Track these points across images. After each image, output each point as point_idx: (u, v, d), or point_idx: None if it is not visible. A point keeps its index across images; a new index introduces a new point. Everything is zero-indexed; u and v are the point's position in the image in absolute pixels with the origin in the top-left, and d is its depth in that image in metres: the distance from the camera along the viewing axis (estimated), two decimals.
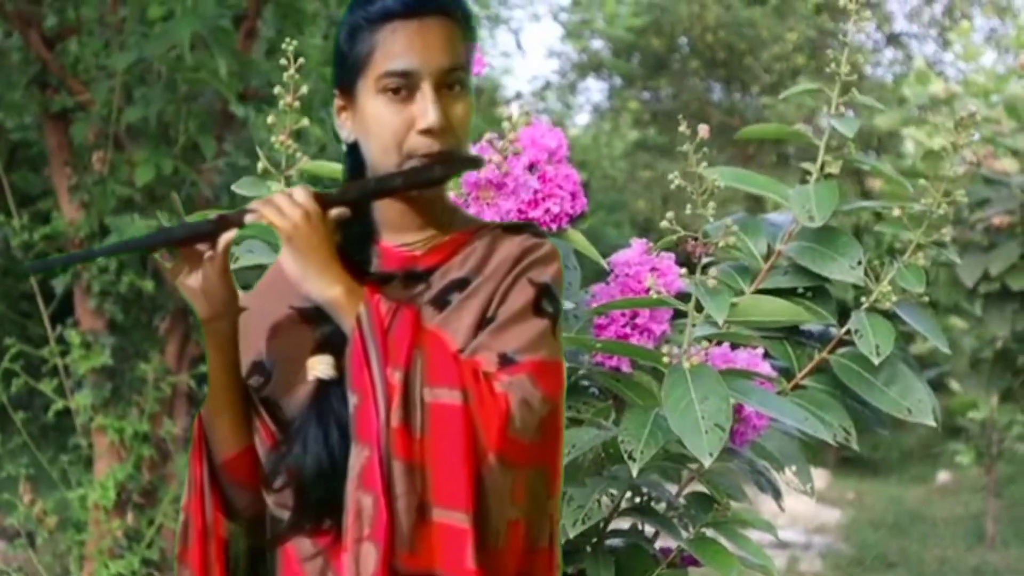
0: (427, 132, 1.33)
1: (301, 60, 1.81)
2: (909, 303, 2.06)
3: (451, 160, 1.35)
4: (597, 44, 14.14)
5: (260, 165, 1.85)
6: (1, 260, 5.46)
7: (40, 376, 4.53)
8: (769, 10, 12.32)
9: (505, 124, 1.79)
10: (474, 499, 1.24)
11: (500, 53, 15.37)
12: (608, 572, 1.95)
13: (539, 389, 1.29)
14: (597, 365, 2.01)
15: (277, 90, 1.84)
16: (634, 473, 1.72)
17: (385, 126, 1.34)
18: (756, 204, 8.74)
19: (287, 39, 1.83)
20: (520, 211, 1.84)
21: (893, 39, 13.65)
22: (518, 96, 15.04)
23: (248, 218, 1.32)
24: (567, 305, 2.02)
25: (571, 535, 1.83)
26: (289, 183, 1.89)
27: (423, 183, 1.35)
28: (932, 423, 1.97)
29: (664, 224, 1.71)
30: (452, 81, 1.35)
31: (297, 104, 1.84)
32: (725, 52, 12.50)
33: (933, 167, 2.10)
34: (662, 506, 2.08)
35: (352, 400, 1.27)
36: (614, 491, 1.91)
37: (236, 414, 1.38)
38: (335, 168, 2.02)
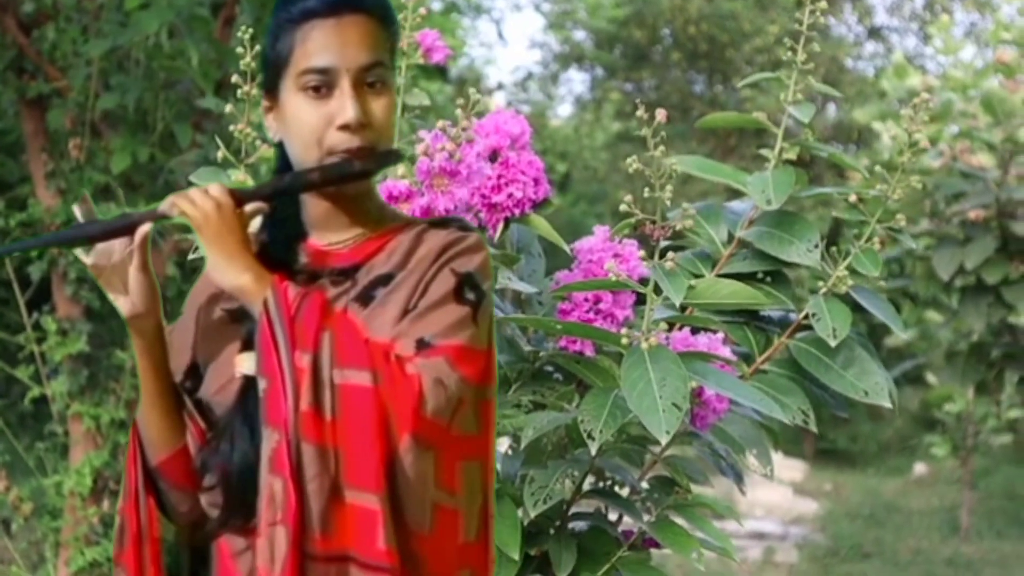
0: (345, 128, 1.35)
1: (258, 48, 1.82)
2: (865, 288, 2.10)
3: (370, 155, 1.36)
4: (579, 35, 14.16)
5: (219, 153, 1.87)
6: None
7: (17, 363, 4.53)
8: (751, 2, 12.36)
9: (458, 112, 1.81)
10: (386, 480, 1.24)
11: (480, 44, 15.36)
12: (570, 554, 1.97)
13: (456, 371, 1.29)
14: (561, 350, 2.03)
15: (235, 78, 1.86)
16: (593, 451, 1.75)
17: (305, 123, 1.35)
18: (735, 196, 8.75)
19: (243, 27, 1.84)
20: (483, 196, 1.86)
21: (874, 32, 13.71)
22: (500, 87, 15.05)
23: (161, 208, 1.34)
24: (531, 289, 2.05)
25: (532, 516, 1.86)
26: (252, 171, 1.91)
27: (341, 178, 1.36)
28: (888, 405, 2.00)
29: (623, 207, 1.74)
30: (372, 78, 1.36)
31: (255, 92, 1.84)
32: (707, 44, 12.54)
33: (916, 158, 2.13)
34: (626, 490, 2.10)
35: (261, 384, 1.27)
36: (576, 473, 1.93)
37: (168, 416, 1.40)
38: None
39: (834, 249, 2.10)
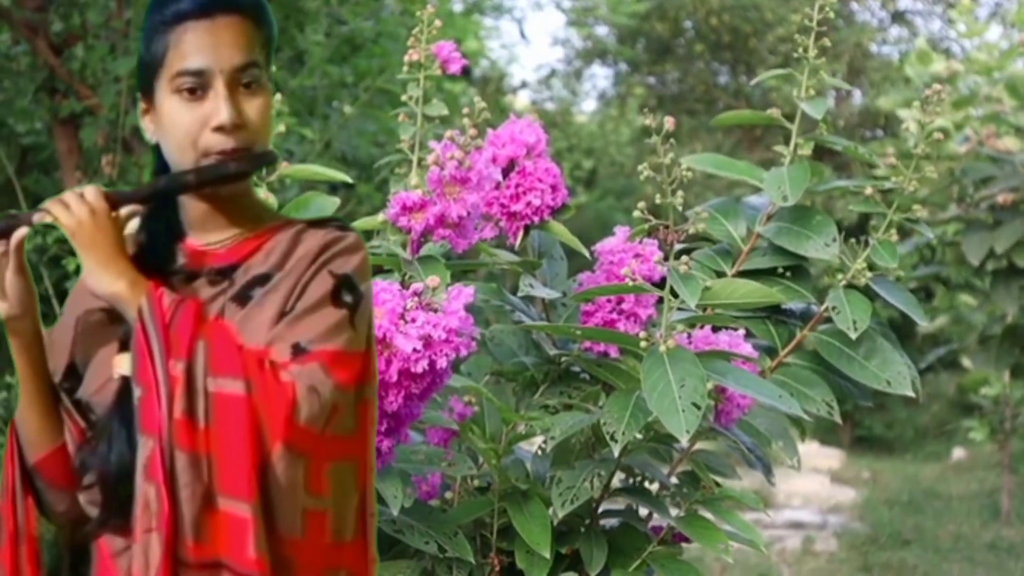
0: (220, 129, 1.35)
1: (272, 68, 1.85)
2: (886, 279, 2.12)
3: (245, 157, 1.37)
4: (601, 31, 14.14)
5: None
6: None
7: None
8: None
9: (464, 121, 1.85)
10: (257, 488, 1.25)
11: (502, 45, 15.37)
12: (601, 551, 2.00)
13: (331, 378, 1.29)
14: (585, 351, 2.07)
15: None
16: (615, 453, 1.78)
17: (180, 125, 1.36)
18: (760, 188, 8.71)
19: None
20: (502, 205, 1.90)
21: (898, 17, 13.60)
22: (524, 85, 15.07)
23: (36, 217, 1.34)
24: (553, 294, 2.09)
25: (560, 516, 1.89)
26: (271, 188, 1.95)
27: (216, 180, 1.36)
28: (911, 393, 2.02)
29: (636, 213, 1.77)
30: (247, 79, 1.36)
31: (281, 108, 1.89)
32: (730, 35, 12.49)
33: (934, 147, 2.14)
34: (655, 486, 2.14)
35: (136, 392, 1.29)
36: (603, 473, 1.96)
37: (46, 415, 1.40)
38: (317, 171, 2.08)
39: (853, 241, 2.12)
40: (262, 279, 1.36)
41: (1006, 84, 6.11)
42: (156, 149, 1.42)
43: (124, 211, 1.36)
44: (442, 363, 1.67)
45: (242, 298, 1.36)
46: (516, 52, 25.31)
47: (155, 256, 1.39)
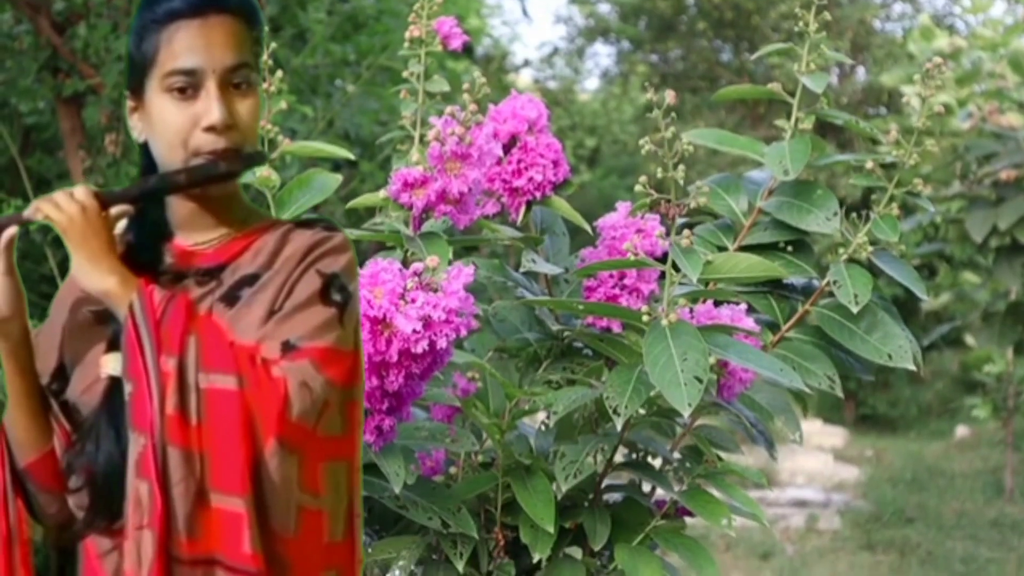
0: (211, 129, 1.35)
1: (273, 46, 1.84)
2: (886, 253, 2.12)
3: (236, 157, 1.37)
4: (604, 8, 14.09)
5: None
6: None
7: None
8: None
9: (464, 96, 1.85)
10: (251, 484, 1.25)
11: (503, 23, 15.31)
12: (605, 526, 2.01)
13: (321, 374, 1.30)
14: (588, 327, 2.07)
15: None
16: (618, 427, 1.79)
17: (170, 124, 1.36)
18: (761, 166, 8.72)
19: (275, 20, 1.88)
20: (504, 180, 1.90)
21: None
22: (526, 63, 15.02)
23: (26, 214, 1.34)
24: (556, 270, 2.09)
25: (564, 490, 1.90)
26: (273, 167, 1.95)
27: (207, 180, 1.37)
28: (912, 367, 2.02)
29: (637, 188, 1.77)
30: (238, 79, 1.37)
31: (282, 85, 1.89)
32: (732, 12, 12.44)
33: (936, 123, 2.14)
34: (658, 461, 2.15)
35: (127, 388, 1.28)
36: (606, 447, 1.97)
37: (35, 418, 1.40)
38: (319, 148, 2.08)
39: (854, 216, 2.12)
40: (250, 279, 1.37)
41: (1010, 60, 6.09)
42: (144, 148, 1.42)
43: (114, 211, 1.35)
44: (442, 343, 1.68)
45: (230, 298, 1.36)
46: (518, 31, 25.23)
47: (143, 256, 1.39)
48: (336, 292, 1.35)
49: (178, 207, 1.41)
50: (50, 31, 4.57)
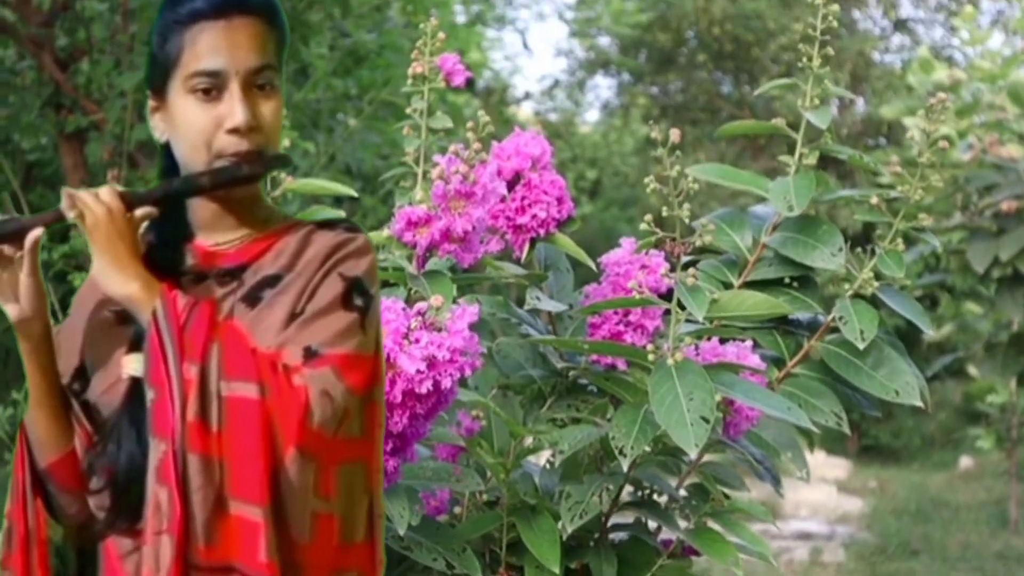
0: (235, 131, 1.35)
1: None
2: (892, 288, 2.11)
3: (259, 159, 1.37)
4: (604, 41, 14.17)
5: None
6: None
7: None
8: (774, 1, 12.33)
9: (468, 134, 1.85)
10: (269, 492, 1.25)
11: (504, 56, 15.40)
12: (611, 566, 1.99)
13: (343, 381, 1.29)
14: (592, 364, 2.06)
15: None
16: (624, 467, 1.78)
17: (194, 126, 1.36)
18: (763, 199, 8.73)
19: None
20: (508, 218, 1.90)
21: (900, 25, 13.61)
22: (527, 96, 15.09)
23: (57, 214, 1.33)
24: (560, 307, 2.08)
25: (570, 531, 1.88)
26: (276, 203, 1.95)
27: (230, 182, 1.37)
28: (919, 404, 2.01)
29: (643, 226, 1.77)
30: (261, 81, 1.37)
31: (284, 121, 1.88)
32: (732, 44, 12.51)
33: (938, 156, 2.14)
34: (664, 499, 2.13)
35: (149, 395, 1.28)
36: (611, 487, 1.96)
37: (56, 418, 1.39)
38: (321, 186, 2.08)
39: (859, 251, 2.12)
40: (272, 280, 1.36)
41: (1009, 91, 6.11)
42: (164, 148, 1.41)
43: (139, 212, 1.35)
44: (446, 383, 1.67)
45: (252, 299, 1.36)
46: (519, 63, 25.38)
47: (164, 256, 1.38)
48: (358, 296, 1.34)
49: (200, 208, 1.41)
50: (53, 67, 4.59)
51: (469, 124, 1.86)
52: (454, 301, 1.79)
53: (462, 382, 1.81)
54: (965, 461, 9.82)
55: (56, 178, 5.43)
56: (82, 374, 1.42)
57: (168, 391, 1.27)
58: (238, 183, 1.37)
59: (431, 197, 1.79)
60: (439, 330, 1.70)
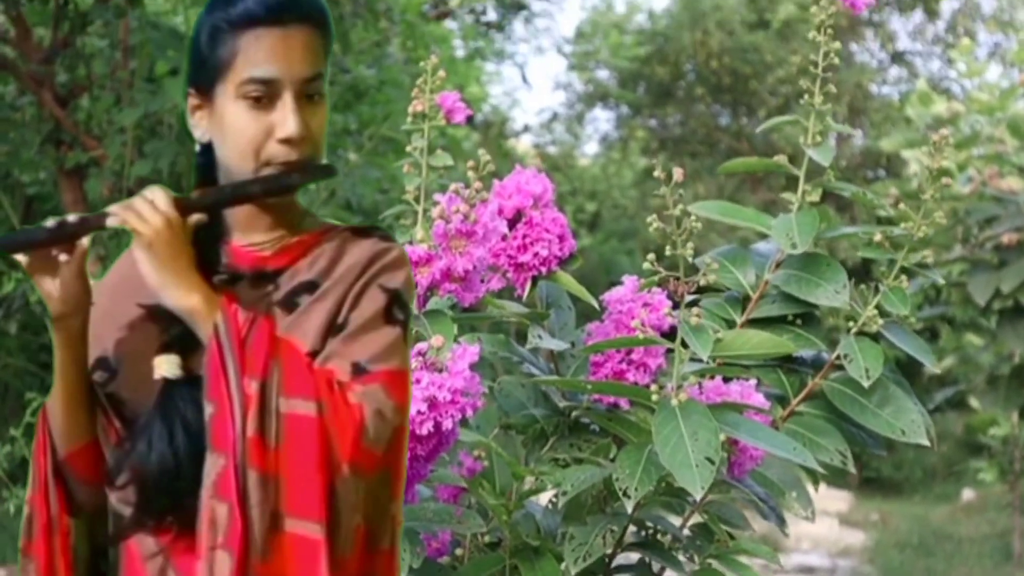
0: (286, 141, 1.34)
1: None
2: (896, 324, 2.10)
3: (308, 168, 1.37)
4: (603, 74, 14.25)
5: None
6: (20, 316, 5.54)
7: None
8: (772, 34, 12.41)
9: (469, 173, 1.84)
10: (328, 509, 1.26)
11: (503, 91, 15.47)
12: None
13: (392, 399, 1.30)
14: (595, 403, 2.04)
15: None
16: (629, 509, 1.76)
17: (243, 132, 1.34)
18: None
19: None
20: (510, 256, 1.89)
21: (898, 57, 13.69)
22: (526, 129, 15.15)
23: (109, 222, 1.32)
24: (562, 346, 2.07)
25: (573, 573, 1.86)
26: None
27: (280, 190, 1.37)
28: (926, 443, 1.99)
29: (646, 265, 1.76)
30: (312, 90, 1.36)
31: None
32: (730, 77, 12.57)
33: (940, 189, 2.14)
34: (668, 538, 2.10)
35: (208, 409, 1.28)
36: (615, 528, 1.93)
37: (80, 409, 1.38)
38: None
39: (863, 287, 2.10)
40: (309, 286, 1.36)
41: (1008, 124, 6.13)
42: (204, 147, 1.39)
43: (192, 219, 1.34)
44: (447, 424, 1.65)
45: (289, 304, 1.35)
46: (518, 96, 25.49)
47: (201, 256, 1.37)
48: (399, 310, 1.35)
49: (236, 209, 1.40)
50: (53, 103, 4.60)
51: (470, 163, 1.85)
52: (455, 340, 1.78)
53: (463, 422, 1.80)
54: (967, 494, 9.77)
55: (56, 213, 5.38)
56: (105, 365, 1.41)
57: (228, 406, 1.26)
58: (287, 192, 1.38)
59: (432, 236, 1.78)
60: (440, 370, 1.68)
